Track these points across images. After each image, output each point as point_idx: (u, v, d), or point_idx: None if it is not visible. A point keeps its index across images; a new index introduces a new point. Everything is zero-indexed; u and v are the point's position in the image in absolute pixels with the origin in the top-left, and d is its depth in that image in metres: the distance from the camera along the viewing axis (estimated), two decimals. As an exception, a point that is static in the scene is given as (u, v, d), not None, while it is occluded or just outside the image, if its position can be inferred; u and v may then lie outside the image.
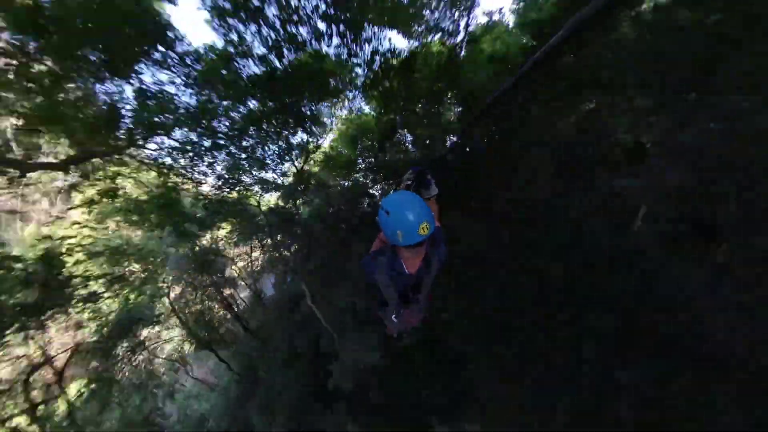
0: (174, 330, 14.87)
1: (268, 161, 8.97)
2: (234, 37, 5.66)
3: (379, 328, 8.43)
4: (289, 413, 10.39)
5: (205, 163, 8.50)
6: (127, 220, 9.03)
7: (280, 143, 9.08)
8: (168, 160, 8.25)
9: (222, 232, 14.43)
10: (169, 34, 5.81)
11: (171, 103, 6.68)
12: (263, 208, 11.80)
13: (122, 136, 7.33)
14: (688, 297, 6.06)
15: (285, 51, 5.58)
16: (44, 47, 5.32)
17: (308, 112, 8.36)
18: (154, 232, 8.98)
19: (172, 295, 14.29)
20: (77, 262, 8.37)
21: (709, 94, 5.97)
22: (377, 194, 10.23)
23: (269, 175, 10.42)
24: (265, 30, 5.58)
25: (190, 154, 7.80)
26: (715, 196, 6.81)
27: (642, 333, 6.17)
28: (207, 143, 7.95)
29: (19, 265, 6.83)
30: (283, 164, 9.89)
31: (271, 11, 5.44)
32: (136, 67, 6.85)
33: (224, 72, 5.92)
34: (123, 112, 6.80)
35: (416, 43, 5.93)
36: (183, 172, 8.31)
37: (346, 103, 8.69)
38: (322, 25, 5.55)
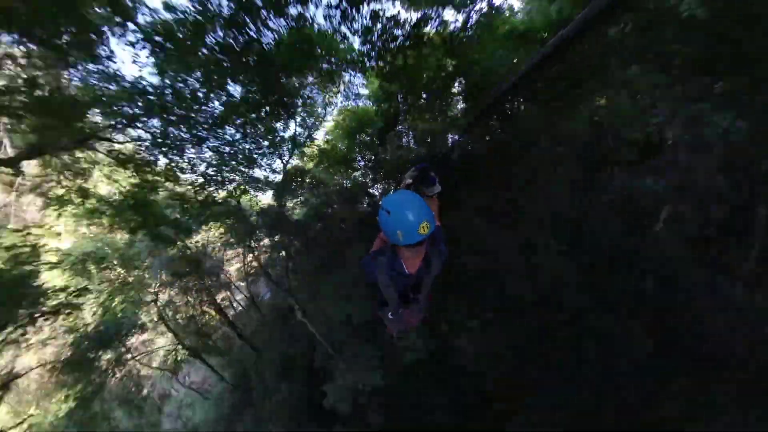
0: (164, 337, 14.08)
1: (255, 156, 7.99)
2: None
3: (380, 345, 7.57)
4: (284, 429, 9.63)
5: (185, 160, 7.58)
6: (99, 223, 8.14)
7: (269, 136, 8.12)
8: (144, 156, 7.32)
9: (214, 233, 13.64)
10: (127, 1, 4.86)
11: (139, 87, 5.74)
12: (255, 209, 10.94)
13: (86, 127, 6.43)
14: (716, 309, 5.84)
15: (263, 15, 4.57)
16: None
17: (299, 100, 7.39)
18: (128, 235, 8.07)
19: (161, 300, 13.52)
20: (51, 268, 7.50)
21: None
22: (377, 194, 9.28)
23: (260, 173, 9.52)
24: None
25: (165, 148, 6.86)
26: (744, 198, 6.75)
27: (648, 335, 6.00)
28: (185, 135, 7.01)
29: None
30: (273, 160, 8.95)
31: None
32: (102, 48, 5.96)
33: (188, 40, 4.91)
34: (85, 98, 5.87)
35: (421, 14, 4.90)
36: (159, 169, 7.37)
37: (342, 88, 7.66)
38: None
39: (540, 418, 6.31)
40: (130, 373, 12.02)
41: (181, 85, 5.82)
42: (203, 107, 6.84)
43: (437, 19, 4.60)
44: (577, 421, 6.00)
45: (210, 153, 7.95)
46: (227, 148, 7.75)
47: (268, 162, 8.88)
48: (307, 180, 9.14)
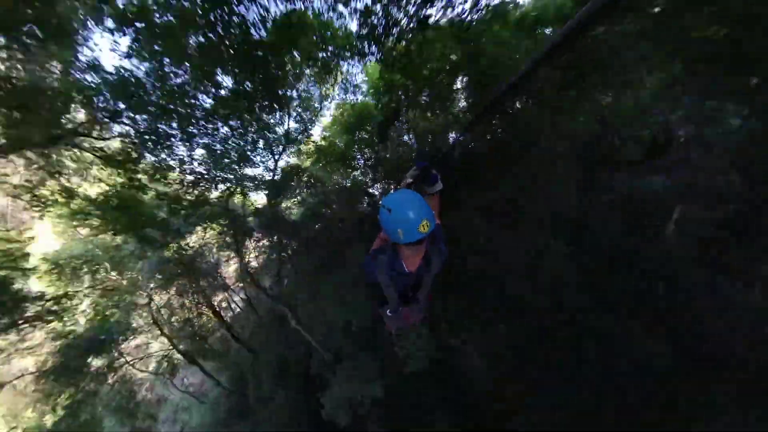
0: (160, 340, 13.70)
1: (248, 151, 7.53)
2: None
3: (380, 353, 7.18)
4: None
5: (174, 157, 7.16)
6: (89, 225, 7.73)
7: (263, 131, 7.69)
8: (130, 153, 6.90)
9: (211, 234, 13.24)
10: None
11: (120, 77, 5.31)
12: (250, 208, 10.53)
13: (67, 123, 6.01)
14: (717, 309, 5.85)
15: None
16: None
17: (292, 91, 6.95)
18: (117, 237, 7.67)
19: (156, 302, 13.14)
20: (24, 275, 7.09)
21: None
22: (377, 194, 8.87)
23: (255, 171, 9.10)
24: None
25: (151, 144, 6.44)
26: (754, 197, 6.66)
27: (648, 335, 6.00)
28: (173, 131, 6.59)
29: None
30: (268, 158, 8.51)
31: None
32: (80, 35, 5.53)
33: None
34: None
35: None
36: (146, 167, 6.96)
37: (340, 79, 7.18)
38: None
39: (540, 418, 6.28)
40: (123, 378, 11.63)
41: (165, 71, 5.38)
42: (191, 99, 6.43)
43: (444, 0, 4.17)
44: (577, 421, 5.97)
45: (201, 150, 7.56)
46: (218, 146, 7.34)
47: (263, 159, 8.47)
48: (304, 179, 8.70)
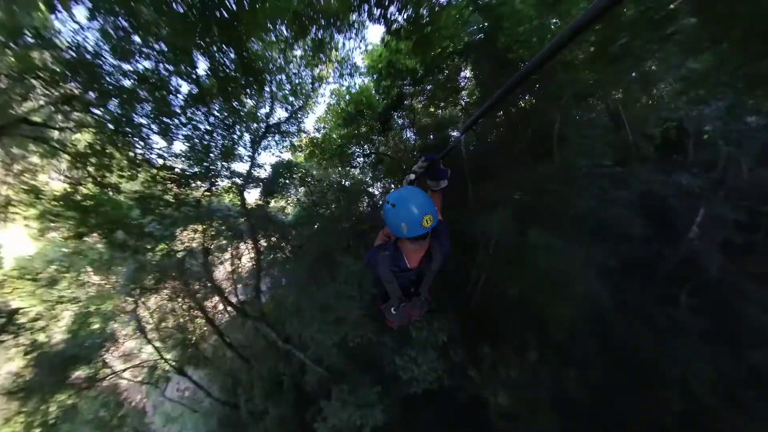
0: (150, 347, 12.98)
1: (231, 143, 6.67)
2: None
3: (380, 373, 6.35)
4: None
5: (149, 150, 6.36)
6: (56, 227, 6.95)
7: (251, 124, 6.86)
8: (97, 146, 6.09)
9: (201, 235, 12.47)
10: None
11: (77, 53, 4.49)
12: (235, 207, 9.71)
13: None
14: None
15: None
16: None
17: (283, 78, 6.09)
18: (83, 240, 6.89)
19: (147, 307, 12.43)
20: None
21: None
22: (377, 193, 8.01)
23: (243, 168, 8.27)
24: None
25: (121, 136, 5.63)
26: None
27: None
28: (147, 120, 5.78)
29: None
30: (258, 151, 7.66)
31: None
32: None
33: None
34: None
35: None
36: (117, 162, 6.14)
37: (334, 56, 6.21)
38: None
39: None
40: (109, 389, 10.92)
41: (131, 47, 4.54)
42: (166, 84, 5.59)
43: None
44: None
45: (182, 144, 6.74)
46: (197, 138, 6.50)
47: (250, 155, 7.62)
48: (296, 177, 7.85)
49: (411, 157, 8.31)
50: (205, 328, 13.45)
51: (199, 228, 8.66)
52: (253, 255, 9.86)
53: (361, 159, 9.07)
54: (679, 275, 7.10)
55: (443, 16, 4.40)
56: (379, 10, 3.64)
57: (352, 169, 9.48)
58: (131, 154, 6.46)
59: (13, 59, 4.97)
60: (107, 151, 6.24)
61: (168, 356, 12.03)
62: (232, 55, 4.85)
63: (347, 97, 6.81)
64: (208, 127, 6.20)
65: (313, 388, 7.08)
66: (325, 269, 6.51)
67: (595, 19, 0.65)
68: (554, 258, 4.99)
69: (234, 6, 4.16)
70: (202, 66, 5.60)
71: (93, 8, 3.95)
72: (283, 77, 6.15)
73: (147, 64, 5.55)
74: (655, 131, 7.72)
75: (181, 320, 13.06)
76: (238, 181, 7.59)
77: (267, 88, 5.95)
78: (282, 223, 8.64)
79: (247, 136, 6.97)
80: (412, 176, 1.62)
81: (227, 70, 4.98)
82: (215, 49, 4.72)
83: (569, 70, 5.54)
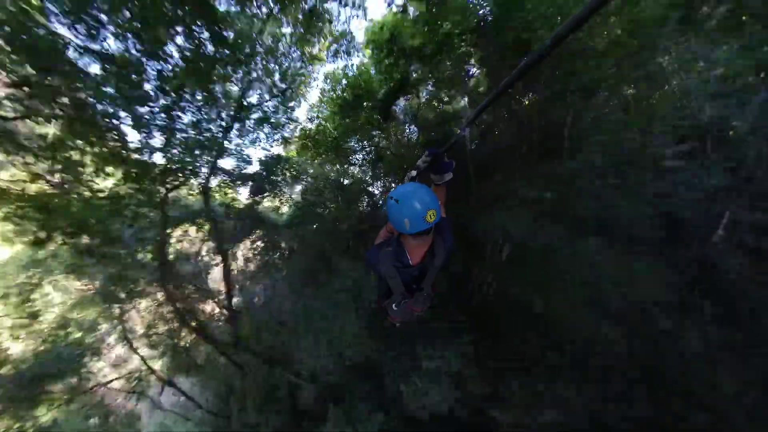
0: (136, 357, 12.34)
1: (209, 133, 5.91)
2: None
3: (381, 393, 5.69)
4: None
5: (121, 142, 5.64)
6: (22, 230, 6.25)
7: (239, 115, 6.14)
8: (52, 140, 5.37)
9: (194, 237, 11.82)
10: None
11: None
12: (229, 208, 9.02)
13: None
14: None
15: None
16: None
17: (272, 63, 5.36)
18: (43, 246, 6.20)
19: (135, 312, 11.81)
20: None
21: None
22: (377, 192, 7.33)
23: (229, 164, 7.57)
24: None
25: (83, 126, 4.91)
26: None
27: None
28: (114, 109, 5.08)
29: None
30: (245, 144, 6.95)
31: None
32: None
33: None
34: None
35: None
36: (80, 158, 5.43)
37: (327, 30, 5.40)
38: None
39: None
40: (93, 401, 10.31)
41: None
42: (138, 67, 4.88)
43: None
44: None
45: (158, 135, 6.01)
46: (178, 133, 5.79)
47: (239, 148, 6.90)
48: (288, 174, 7.14)
49: (413, 154, 7.65)
50: (198, 333, 12.83)
51: (188, 230, 7.97)
52: (242, 260, 9.21)
53: (360, 156, 8.36)
54: (702, 281, 6.40)
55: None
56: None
57: (351, 167, 8.77)
58: (104, 149, 5.77)
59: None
60: (74, 144, 5.55)
61: (157, 364, 11.40)
62: (206, 33, 4.14)
63: (343, 81, 6.05)
64: (180, 113, 5.47)
65: (308, 403, 6.45)
66: (322, 273, 5.83)
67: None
68: (602, 269, 4.29)
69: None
70: (177, 44, 4.87)
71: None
72: (267, 56, 5.39)
73: (113, 43, 4.89)
74: (675, 126, 7.03)
75: (172, 326, 12.45)
76: (224, 177, 6.90)
77: (246, 68, 5.21)
78: (275, 224, 7.95)
79: (232, 126, 6.23)
80: (414, 173, 1.59)
81: (201, 47, 4.26)
82: (187, 21, 4.01)
83: (584, 59, 4.93)
